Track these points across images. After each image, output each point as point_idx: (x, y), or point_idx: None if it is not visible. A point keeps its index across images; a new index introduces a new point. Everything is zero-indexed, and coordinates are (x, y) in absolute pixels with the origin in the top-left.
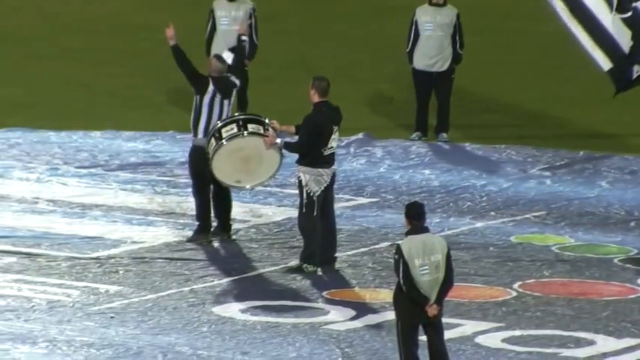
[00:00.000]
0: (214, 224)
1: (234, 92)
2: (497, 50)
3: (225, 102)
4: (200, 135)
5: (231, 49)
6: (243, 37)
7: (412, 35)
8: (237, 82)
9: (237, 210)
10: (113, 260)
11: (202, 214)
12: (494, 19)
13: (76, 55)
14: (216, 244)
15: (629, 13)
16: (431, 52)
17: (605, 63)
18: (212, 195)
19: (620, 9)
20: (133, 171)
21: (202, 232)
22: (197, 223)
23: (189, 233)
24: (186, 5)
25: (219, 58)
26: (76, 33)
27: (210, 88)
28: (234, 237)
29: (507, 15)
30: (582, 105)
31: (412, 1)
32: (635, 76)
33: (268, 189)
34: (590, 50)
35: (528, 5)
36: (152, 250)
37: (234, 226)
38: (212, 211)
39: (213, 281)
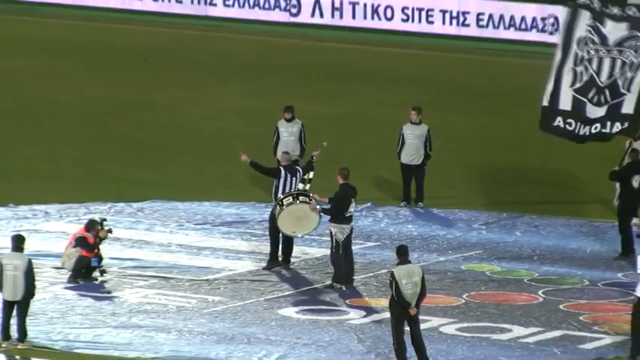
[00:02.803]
0: (280, 258)
1: (299, 175)
2: (453, 152)
3: (294, 180)
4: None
5: (308, 167)
6: (315, 155)
7: (400, 142)
8: (300, 169)
9: (294, 250)
10: (217, 281)
11: (273, 250)
12: (450, 133)
13: (191, 154)
14: (281, 270)
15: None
16: (411, 152)
17: (545, 100)
18: (282, 240)
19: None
20: (229, 226)
21: (272, 261)
22: (269, 256)
23: (264, 264)
24: (261, 124)
25: (286, 153)
26: (191, 139)
27: (283, 173)
28: (291, 267)
29: (458, 130)
30: (504, 185)
31: (402, 120)
32: (556, 123)
33: (312, 237)
34: (548, 86)
35: (469, 125)
36: (241, 275)
37: (292, 260)
38: (280, 249)
39: (278, 294)
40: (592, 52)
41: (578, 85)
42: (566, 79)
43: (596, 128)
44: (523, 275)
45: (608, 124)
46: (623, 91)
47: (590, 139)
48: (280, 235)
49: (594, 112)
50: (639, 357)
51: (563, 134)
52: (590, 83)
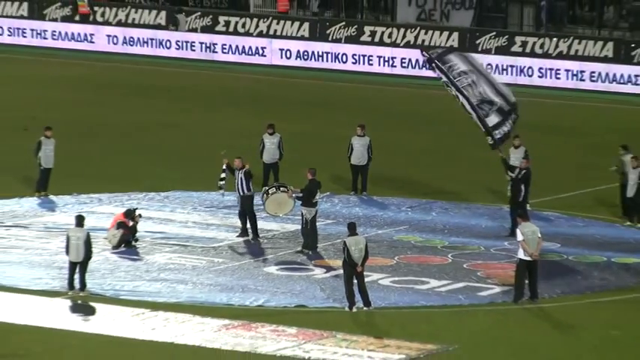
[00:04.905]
0: (250, 234)
1: (250, 177)
2: (389, 157)
3: (245, 182)
4: (237, 193)
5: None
6: (226, 163)
7: (349, 149)
8: (251, 172)
9: (275, 226)
10: (220, 248)
11: (243, 226)
12: (386, 143)
13: (201, 158)
14: (265, 240)
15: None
16: (358, 156)
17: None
18: (248, 220)
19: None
20: (229, 209)
21: (243, 233)
22: (256, 234)
23: (250, 236)
24: (249, 138)
25: (239, 157)
26: (201, 148)
27: (240, 176)
28: (273, 237)
29: (391, 141)
30: (424, 180)
31: (351, 134)
32: (497, 136)
33: (288, 217)
34: (472, 116)
35: (398, 138)
36: (237, 244)
37: (273, 233)
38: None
39: (264, 257)
40: (463, 79)
41: (482, 107)
42: (475, 103)
43: (501, 132)
44: (437, 243)
45: (507, 123)
46: (495, 99)
47: (504, 138)
48: (247, 216)
49: (493, 120)
50: (520, 301)
51: (504, 140)
52: (482, 101)
